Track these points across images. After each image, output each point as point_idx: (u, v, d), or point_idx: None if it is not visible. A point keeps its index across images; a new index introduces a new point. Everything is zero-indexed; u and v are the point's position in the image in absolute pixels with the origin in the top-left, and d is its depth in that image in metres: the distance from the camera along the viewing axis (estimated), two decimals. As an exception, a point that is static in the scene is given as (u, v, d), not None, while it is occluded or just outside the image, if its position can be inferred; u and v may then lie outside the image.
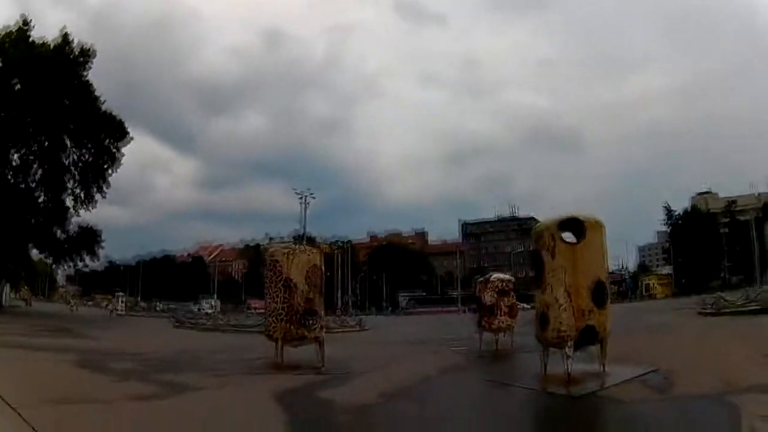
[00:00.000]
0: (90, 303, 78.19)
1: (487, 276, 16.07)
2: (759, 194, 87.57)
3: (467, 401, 8.24)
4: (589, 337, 8.50)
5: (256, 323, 28.66)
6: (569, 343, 8.32)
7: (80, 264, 48.46)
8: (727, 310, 21.92)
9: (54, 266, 55.49)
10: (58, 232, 42.01)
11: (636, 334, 16.70)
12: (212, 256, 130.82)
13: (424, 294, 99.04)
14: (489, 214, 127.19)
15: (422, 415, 7.36)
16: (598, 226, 8.88)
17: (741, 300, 24.59)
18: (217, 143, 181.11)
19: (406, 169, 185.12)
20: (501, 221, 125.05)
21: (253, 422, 7.01)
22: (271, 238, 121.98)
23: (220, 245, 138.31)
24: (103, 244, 45.11)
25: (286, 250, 12.25)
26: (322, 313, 12.41)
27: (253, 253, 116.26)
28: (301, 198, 61.18)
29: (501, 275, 15.92)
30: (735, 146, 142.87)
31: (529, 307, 13.80)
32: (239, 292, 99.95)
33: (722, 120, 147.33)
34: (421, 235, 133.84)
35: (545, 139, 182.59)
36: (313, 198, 62.23)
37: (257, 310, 77.69)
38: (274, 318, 11.88)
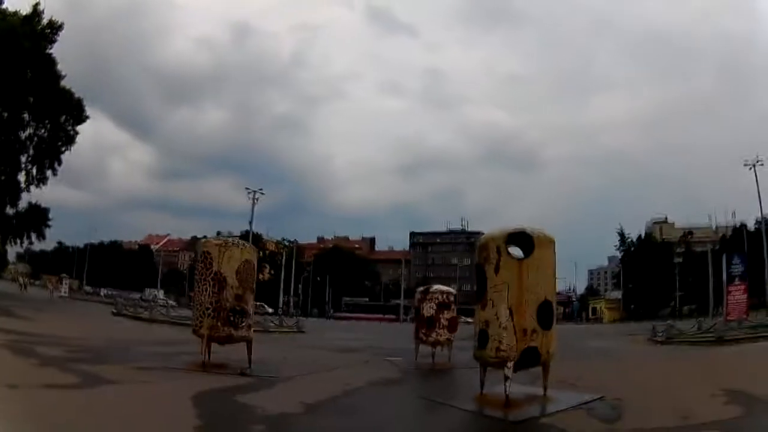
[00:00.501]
0: (38, 283, 75.47)
1: (428, 287, 15.39)
2: (717, 227, 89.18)
3: (394, 420, 7.51)
4: (531, 358, 7.89)
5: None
6: (509, 364, 7.70)
7: (26, 243, 47.68)
8: (678, 339, 21.73)
9: (4, 243, 53.30)
10: (8, 208, 40.59)
11: (582, 358, 16.22)
12: (159, 245, 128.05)
13: (366, 300, 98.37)
14: (440, 226, 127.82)
15: (345, 428, 6.81)
16: (547, 241, 8.26)
17: (693, 330, 24.72)
18: (176, 133, 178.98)
19: (361, 175, 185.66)
20: (450, 233, 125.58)
21: (159, 422, 6.38)
22: (218, 233, 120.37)
23: (168, 235, 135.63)
24: (50, 223, 44.34)
25: (218, 243, 11.52)
26: (252, 312, 11.72)
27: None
28: (250, 195, 59.66)
29: (442, 287, 15.11)
30: (694, 177, 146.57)
31: (470, 320, 13.12)
32: (185, 283, 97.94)
33: (683, 150, 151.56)
34: (369, 241, 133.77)
35: (503, 157, 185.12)
36: (263, 194, 61.22)
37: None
38: (200, 313, 11.16)
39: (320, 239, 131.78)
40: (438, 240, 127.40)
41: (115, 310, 32.71)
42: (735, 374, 10.87)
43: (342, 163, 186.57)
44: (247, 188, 60.98)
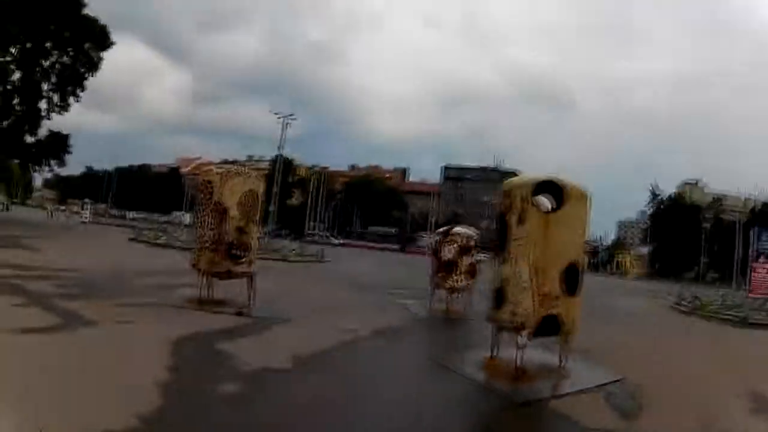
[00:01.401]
0: (63, 209, 76.02)
1: (448, 228, 14.00)
2: (745, 199, 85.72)
3: (387, 387, 6.54)
4: (550, 327, 6.83)
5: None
6: (524, 332, 6.65)
7: (47, 170, 46.93)
8: (702, 312, 20.16)
9: (30, 170, 53.36)
10: (28, 136, 39.89)
11: (606, 320, 15.01)
12: (189, 168, 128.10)
13: (395, 230, 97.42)
14: (473, 162, 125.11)
15: (326, 398, 5.75)
16: (581, 195, 7.07)
17: (717, 303, 23.14)
18: (210, 58, 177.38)
19: (396, 106, 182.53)
20: (483, 169, 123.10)
21: (115, 377, 5.48)
22: (250, 157, 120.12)
23: (198, 158, 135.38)
24: (71, 150, 43.04)
25: (220, 171, 10.46)
26: (255, 245, 10.71)
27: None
28: (279, 118, 58.33)
29: (463, 229, 13.77)
30: (730, 144, 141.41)
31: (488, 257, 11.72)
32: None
33: (721, 116, 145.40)
34: (402, 172, 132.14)
35: (538, 98, 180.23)
36: (294, 120, 59.59)
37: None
38: (200, 246, 10.29)
39: (352, 167, 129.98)
40: (470, 176, 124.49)
41: (133, 236, 32.23)
42: (764, 372, 9.72)
43: (378, 93, 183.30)
44: (277, 113, 59.14)
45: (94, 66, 40.31)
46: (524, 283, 6.64)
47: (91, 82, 40.44)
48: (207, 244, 10.16)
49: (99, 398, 4.76)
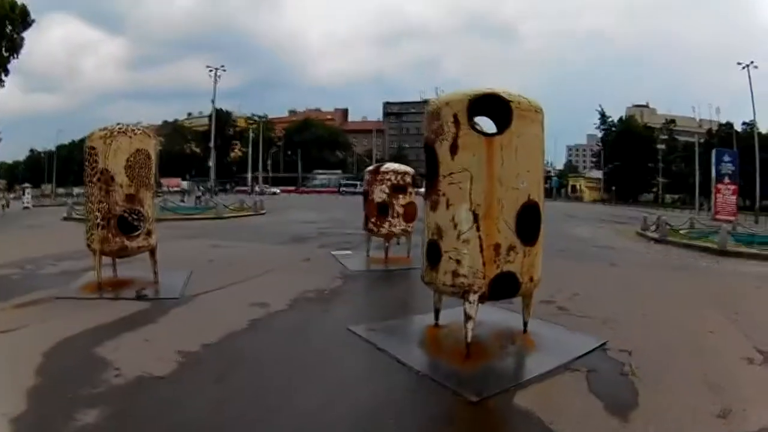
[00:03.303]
0: (12, 196, 71.04)
1: (378, 165, 11.78)
2: (700, 120, 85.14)
3: (294, 389, 4.52)
4: (505, 288, 5.01)
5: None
6: (471, 297, 4.85)
7: None
8: (673, 240, 17.91)
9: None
10: None
11: (569, 255, 13.42)
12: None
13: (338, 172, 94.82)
14: (416, 98, 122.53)
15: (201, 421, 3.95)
16: (532, 111, 5.09)
17: (686, 227, 21.48)
18: (146, 21, 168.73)
19: (336, 47, 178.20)
20: (425, 102, 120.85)
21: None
22: (189, 114, 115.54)
23: (138, 123, 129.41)
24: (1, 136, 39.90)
25: (102, 133, 8.29)
26: (151, 213, 8.69)
27: (171, 130, 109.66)
28: (211, 72, 54.99)
29: (395, 165, 11.65)
30: (678, 68, 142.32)
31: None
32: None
33: (668, 39, 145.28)
34: (343, 112, 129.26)
35: (480, 27, 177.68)
36: (224, 71, 56.33)
37: (170, 188, 74.03)
38: (92, 224, 8.30)
39: (292, 112, 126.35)
40: (413, 110, 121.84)
41: (65, 215, 29.25)
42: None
43: (315, 36, 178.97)
44: (207, 66, 55.81)
45: (16, 48, 37.66)
46: (465, 232, 4.81)
47: (31, 65, 38.14)
48: (98, 220, 8.24)
49: None
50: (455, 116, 4.86)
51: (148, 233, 8.64)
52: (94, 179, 8.24)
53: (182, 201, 38.81)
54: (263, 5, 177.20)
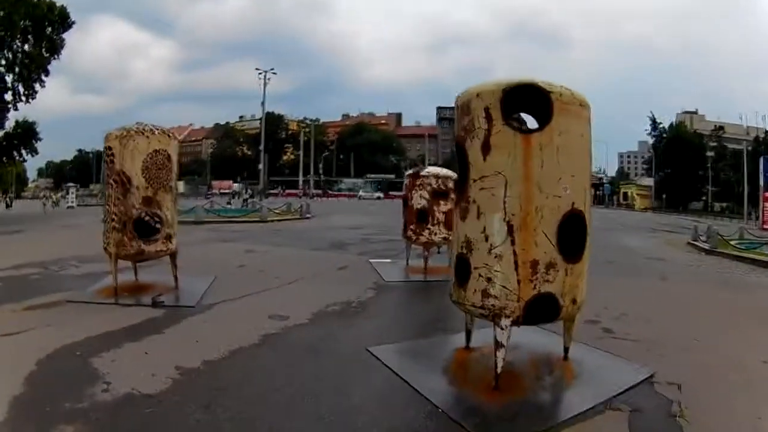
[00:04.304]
0: (60, 195, 73.50)
1: (418, 169, 11.08)
2: (747, 127, 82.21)
3: (294, 415, 3.99)
4: (543, 311, 4.30)
5: (186, 210, 25.00)
6: (503, 322, 4.19)
7: (19, 160, 45.71)
8: (723, 251, 16.90)
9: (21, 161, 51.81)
10: None
11: (617, 268, 12.53)
12: (181, 137, 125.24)
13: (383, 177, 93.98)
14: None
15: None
16: (576, 105, 4.38)
17: (735, 238, 20.31)
18: (196, 25, 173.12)
19: (387, 53, 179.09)
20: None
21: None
22: (241, 117, 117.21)
23: (190, 125, 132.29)
24: (40, 136, 41.61)
25: (119, 133, 8.00)
26: (171, 217, 8.33)
27: (223, 133, 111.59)
28: (261, 75, 55.30)
29: (437, 169, 10.86)
30: (723, 76, 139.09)
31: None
32: (206, 172, 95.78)
33: (716, 47, 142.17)
34: (396, 117, 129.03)
35: (530, 34, 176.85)
36: (275, 74, 56.66)
37: (221, 191, 75.11)
38: (110, 227, 8.03)
39: (345, 116, 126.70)
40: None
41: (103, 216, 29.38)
42: None
43: (367, 41, 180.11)
44: (257, 69, 56.06)
45: (56, 49, 38.09)
46: (497, 246, 4.14)
47: (79, 67, 39.12)
48: (114, 223, 7.97)
49: None
50: (487, 110, 4.19)
51: (168, 237, 8.32)
52: (111, 181, 8.00)
53: (229, 203, 39.05)
54: (315, 9, 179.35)
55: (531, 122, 4.38)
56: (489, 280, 4.20)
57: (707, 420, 4.02)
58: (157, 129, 8.25)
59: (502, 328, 4.15)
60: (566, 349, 5.02)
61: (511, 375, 4.53)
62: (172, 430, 3.79)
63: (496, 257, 4.15)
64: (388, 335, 6.22)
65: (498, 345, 4.19)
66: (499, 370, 4.23)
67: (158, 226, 8.10)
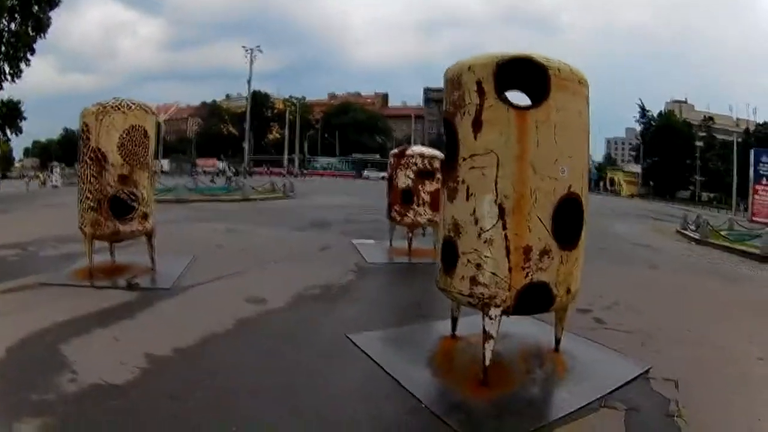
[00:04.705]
0: (24, 176, 72.17)
1: (403, 148, 10.72)
2: (737, 119, 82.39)
3: (261, 408, 3.75)
4: (536, 300, 4.03)
5: (167, 189, 24.56)
6: (492, 312, 3.92)
7: (3, 139, 45.52)
8: (713, 241, 16.74)
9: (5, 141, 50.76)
10: None
11: (607, 255, 12.17)
12: (167, 115, 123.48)
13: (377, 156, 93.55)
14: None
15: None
16: (576, 82, 4.10)
17: (724, 228, 20.08)
18: (185, 3, 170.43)
19: (376, 33, 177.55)
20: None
21: None
22: (227, 95, 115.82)
23: (176, 103, 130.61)
24: (24, 115, 41.23)
25: (95, 109, 7.63)
26: (147, 195, 8.00)
27: (208, 111, 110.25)
28: (247, 53, 54.32)
29: (422, 148, 10.57)
30: (716, 66, 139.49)
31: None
32: (192, 150, 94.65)
33: (707, 36, 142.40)
34: (382, 97, 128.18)
35: (521, 17, 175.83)
36: (261, 52, 55.75)
37: (204, 169, 74.25)
38: (85, 206, 7.75)
39: (331, 96, 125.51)
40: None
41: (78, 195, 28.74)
42: None
43: (357, 20, 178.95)
44: (243, 46, 55.06)
45: (42, 28, 36.91)
46: (488, 230, 3.87)
47: (67, 45, 38.01)
48: (89, 202, 7.67)
49: None
50: (479, 84, 3.89)
51: (144, 216, 8.01)
52: (87, 158, 7.68)
53: (212, 181, 38.55)
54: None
55: (522, 101, 4.10)
56: (478, 266, 3.93)
57: (705, 419, 3.81)
58: (134, 104, 7.86)
59: (491, 318, 3.90)
60: (558, 341, 4.79)
61: (499, 368, 4.28)
62: (139, 424, 3.54)
63: (486, 242, 3.88)
64: (370, 321, 5.97)
65: (487, 336, 3.94)
66: (487, 362, 3.98)
67: (134, 204, 7.79)
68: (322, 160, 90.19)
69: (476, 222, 3.93)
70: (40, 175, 46.76)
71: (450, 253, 4.15)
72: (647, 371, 4.58)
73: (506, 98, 3.86)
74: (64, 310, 5.93)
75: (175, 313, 6.20)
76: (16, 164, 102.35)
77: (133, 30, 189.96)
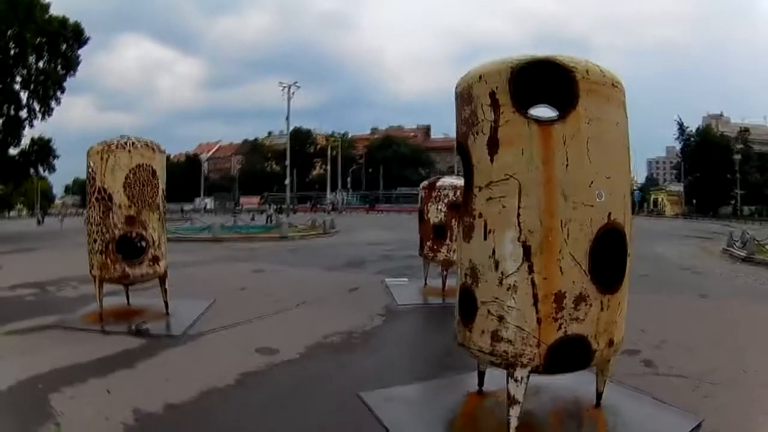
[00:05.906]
0: (57, 213, 73.79)
1: (434, 179, 9.98)
2: None
3: None
4: (571, 357, 3.29)
5: (203, 228, 24.52)
6: (518, 372, 3.23)
7: (36, 177, 45.94)
8: (760, 259, 15.61)
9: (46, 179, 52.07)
10: (12, 148, 37.93)
11: (656, 279, 11.49)
12: (210, 153, 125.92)
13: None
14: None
15: None
16: (608, 86, 3.38)
17: None
18: (221, 42, 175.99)
19: (414, 66, 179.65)
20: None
21: None
22: (269, 133, 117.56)
23: (218, 142, 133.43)
24: (57, 153, 40.77)
25: (99, 148, 7.38)
26: (158, 238, 7.63)
27: (251, 149, 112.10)
28: (284, 89, 54.55)
29: (453, 179, 9.68)
30: (747, 77, 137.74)
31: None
32: (236, 187, 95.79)
33: (735, 48, 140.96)
34: (425, 130, 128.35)
35: (552, 43, 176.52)
36: (298, 88, 55.82)
37: (243, 207, 74.89)
38: (92, 248, 7.46)
39: (373, 130, 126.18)
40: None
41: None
42: None
43: (394, 55, 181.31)
44: (280, 83, 55.24)
45: (71, 66, 38.01)
46: (510, 275, 3.20)
47: (106, 85, 39.23)
48: (96, 245, 7.38)
49: None
50: (492, 95, 3.25)
51: (155, 260, 7.67)
52: (93, 199, 7.44)
53: (252, 219, 38.59)
54: (340, 25, 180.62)
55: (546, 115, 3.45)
56: (500, 318, 3.24)
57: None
58: (140, 142, 7.55)
59: (516, 381, 3.19)
60: (599, 395, 4.00)
61: (528, 430, 3.56)
62: None
63: (508, 289, 3.19)
64: (390, 375, 5.28)
65: (512, 401, 3.22)
66: (511, 430, 3.26)
67: (143, 245, 7.41)
68: (329, 196, 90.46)
69: (496, 265, 3.26)
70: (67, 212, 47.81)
71: (468, 303, 3.48)
72: (700, 425, 3.81)
73: (526, 111, 3.20)
74: (64, 356, 5.71)
75: (177, 363, 5.75)
76: (57, 201, 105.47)
77: (170, 69, 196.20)
